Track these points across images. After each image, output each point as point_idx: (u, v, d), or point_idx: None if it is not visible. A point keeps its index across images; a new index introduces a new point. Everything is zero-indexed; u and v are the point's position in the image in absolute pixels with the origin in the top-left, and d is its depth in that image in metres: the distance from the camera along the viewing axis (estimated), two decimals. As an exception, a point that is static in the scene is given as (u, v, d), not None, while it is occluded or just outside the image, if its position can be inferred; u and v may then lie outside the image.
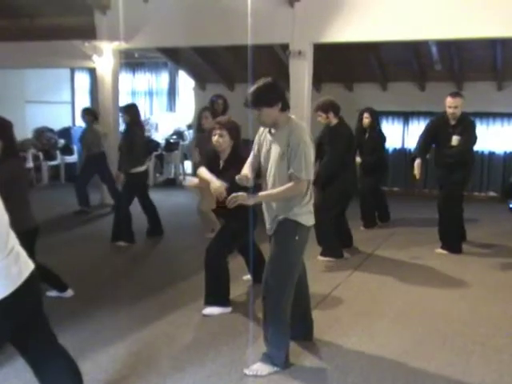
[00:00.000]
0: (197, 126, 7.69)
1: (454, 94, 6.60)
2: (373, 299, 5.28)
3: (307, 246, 3.87)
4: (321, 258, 6.38)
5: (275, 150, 3.69)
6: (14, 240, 2.57)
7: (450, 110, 6.48)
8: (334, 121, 6.32)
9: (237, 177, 3.77)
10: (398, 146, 11.36)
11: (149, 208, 7.63)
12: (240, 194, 3.55)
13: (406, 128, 11.37)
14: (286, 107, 3.70)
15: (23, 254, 2.61)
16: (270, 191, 3.65)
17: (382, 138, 8.20)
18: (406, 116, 11.18)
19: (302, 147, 3.56)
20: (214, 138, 4.80)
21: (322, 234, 6.26)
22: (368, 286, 5.66)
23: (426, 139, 6.78)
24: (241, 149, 4.82)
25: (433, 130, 6.75)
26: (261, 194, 3.58)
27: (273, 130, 3.75)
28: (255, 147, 3.95)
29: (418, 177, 6.71)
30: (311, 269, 4.10)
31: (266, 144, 3.81)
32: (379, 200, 8.33)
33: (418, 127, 11.24)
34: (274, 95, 3.66)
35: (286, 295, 3.73)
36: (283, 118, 3.68)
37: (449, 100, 6.48)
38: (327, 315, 4.83)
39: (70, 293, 5.18)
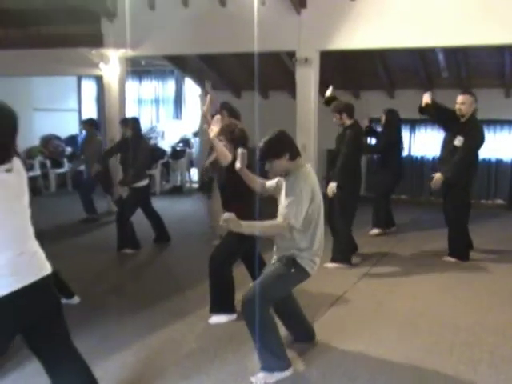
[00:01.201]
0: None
1: (463, 92, 6.68)
2: (380, 306, 5.28)
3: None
4: (330, 265, 6.36)
5: (284, 195, 3.87)
6: (33, 241, 2.62)
7: (456, 106, 6.53)
8: (347, 122, 6.49)
9: (221, 220, 3.71)
10: (405, 153, 11.30)
11: (152, 216, 7.66)
12: (231, 217, 3.57)
13: (412, 136, 11.37)
14: (294, 156, 3.88)
15: (41, 255, 2.66)
16: (253, 222, 3.79)
17: (395, 141, 8.33)
18: (413, 123, 11.17)
19: (298, 196, 3.72)
20: None
21: (341, 236, 6.39)
22: (375, 292, 5.66)
23: (444, 109, 6.76)
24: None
25: (448, 117, 6.70)
26: (245, 223, 3.62)
27: (287, 176, 3.93)
28: (274, 181, 4.13)
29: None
30: (317, 276, 4.10)
31: (283, 187, 3.97)
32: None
33: (425, 135, 11.26)
34: (281, 147, 3.86)
35: (267, 305, 3.83)
36: (293, 166, 3.88)
37: (458, 97, 6.55)
38: (334, 321, 4.84)
39: (76, 300, 5.20)
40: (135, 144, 7.23)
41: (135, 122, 7.54)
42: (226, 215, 3.55)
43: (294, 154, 3.89)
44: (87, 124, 9.54)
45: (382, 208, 8.15)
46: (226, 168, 4.75)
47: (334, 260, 6.45)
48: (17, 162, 2.57)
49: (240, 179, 4.35)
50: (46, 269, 2.68)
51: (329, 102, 7.03)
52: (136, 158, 7.14)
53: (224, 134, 4.78)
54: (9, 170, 2.49)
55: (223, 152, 4.69)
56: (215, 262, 4.79)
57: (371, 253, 7.09)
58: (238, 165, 4.19)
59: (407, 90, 10.90)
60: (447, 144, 6.67)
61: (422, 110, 6.79)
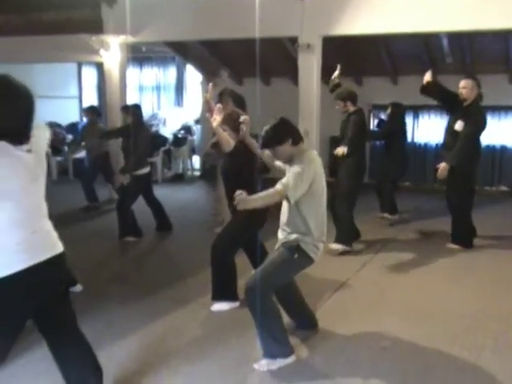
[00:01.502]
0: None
1: (466, 76, 6.75)
2: (383, 293, 5.30)
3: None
4: (334, 246, 6.41)
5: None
6: (46, 220, 2.72)
7: (459, 91, 6.57)
8: (351, 109, 6.54)
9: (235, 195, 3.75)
10: (409, 139, 11.27)
11: (153, 204, 7.67)
12: (241, 195, 3.60)
13: (416, 122, 11.36)
14: (297, 141, 3.91)
15: (54, 234, 2.74)
16: (256, 195, 3.75)
17: (399, 131, 8.44)
18: (416, 110, 11.16)
19: (298, 171, 3.73)
20: None
21: (342, 220, 6.43)
22: (378, 280, 5.68)
23: (446, 90, 6.79)
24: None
25: (451, 98, 6.71)
26: (250, 199, 3.65)
27: (291, 162, 3.93)
28: (283, 165, 4.11)
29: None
30: (320, 263, 4.13)
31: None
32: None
33: (428, 121, 11.25)
34: (282, 133, 3.88)
35: (269, 291, 3.87)
36: (297, 151, 3.90)
37: (460, 81, 6.61)
38: (337, 308, 4.87)
39: (79, 288, 5.23)
40: (136, 131, 7.21)
41: (136, 108, 7.54)
42: (239, 193, 3.56)
43: (297, 139, 3.91)
44: (89, 111, 9.55)
45: (387, 194, 8.19)
46: (228, 154, 4.76)
47: (337, 241, 6.49)
48: (36, 143, 2.66)
49: (243, 166, 4.37)
50: (59, 247, 2.76)
51: (334, 89, 7.02)
52: (137, 145, 7.14)
53: (227, 123, 4.78)
54: (29, 151, 2.59)
55: (226, 138, 4.70)
56: (217, 250, 4.81)
57: (374, 240, 7.11)
58: (242, 130, 4.24)
59: (411, 76, 10.85)
60: (449, 128, 6.69)
61: (424, 89, 6.75)
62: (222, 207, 7.09)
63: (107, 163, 9.41)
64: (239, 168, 4.47)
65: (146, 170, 7.32)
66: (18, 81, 2.58)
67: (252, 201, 3.65)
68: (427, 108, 11.09)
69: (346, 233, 6.56)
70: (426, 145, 11.36)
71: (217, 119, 4.54)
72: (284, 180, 3.74)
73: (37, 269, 2.59)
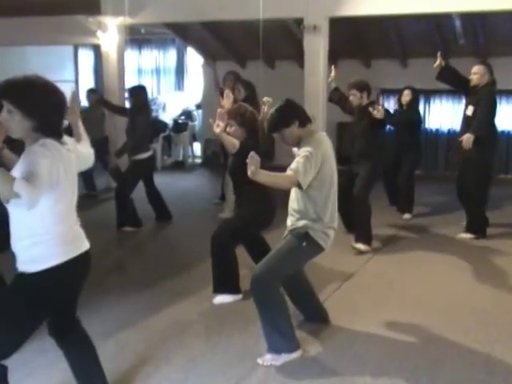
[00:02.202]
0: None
1: (479, 62, 6.77)
2: (392, 285, 5.31)
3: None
4: (357, 246, 6.27)
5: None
6: (76, 219, 2.93)
7: (470, 77, 6.60)
8: (365, 101, 6.45)
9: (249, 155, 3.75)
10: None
11: (152, 195, 7.66)
12: (255, 159, 3.52)
13: (427, 107, 11.31)
14: (304, 122, 3.89)
15: (82, 234, 2.96)
16: (269, 172, 3.66)
17: (419, 120, 8.19)
18: (427, 94, 11.10)
19: (307, 154, 3.69)
20: (227, 129, 4.90)
21: (360, 217, 6.33)
22: (386, 272, 5.69)
23: (461, 75, 6.83)
24: (256, 134, 4.86)
25: (466, 85, 6.74)
26: (262, 173, 3.57)
27: (300, 144, 3.91)
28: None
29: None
30: (326, 255, 4.12)
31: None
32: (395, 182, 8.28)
33: (440, 106, 11.20)
34: (288, 114, 3.87)
35: (276, 281, 3.86)
36: (305, 132, 3.88)
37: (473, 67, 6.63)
38: (344, 302, 4.88)
39: (76, 279, 5.24)
40: (137, 113, 7.23)
41: (140, 89, 7.55)
42: (253, 154, 3.43)
43: (304, 120, 3.89)
44: (94, 95, 9.51)
45: (411, 190, 7.99)
46: (234, 154, 4.80)
47: (360, 241, 6.32)
48: (71, 143, 2.87)
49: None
50: (87, 245, 2.97)
51: (335, 97, 6.94)
52: (135, 128, 7.15)
53: (234, 118, 4.80)
54: (70, 150, 2.78)
55: (230, 142, 4.74)
56: (217, 241, 4.81)
57: (383, 230, 7.10)
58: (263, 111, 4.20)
59: (421, 59, 10.78)
60: (464, 116, 6.70)
61: (440, 75, 6.82)
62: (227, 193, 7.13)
63: (106, 149, 9.40)
64: (246, 167, 4.47)
65: (145, 154, 7.28)
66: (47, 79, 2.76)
67: (263, 174, 3.54)
68: (438, 93, 11.02)
69: (369, 231, 6.43)
70: (437, 131, 11.32)
71: (220, 125, 4.57)
72: (293, 165, 3.69)
73: (77, 261, 2.81)
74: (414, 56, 10.93)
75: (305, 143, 3.83)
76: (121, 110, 7.99)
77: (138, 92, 7.42)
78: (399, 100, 8.12)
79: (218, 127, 4.58)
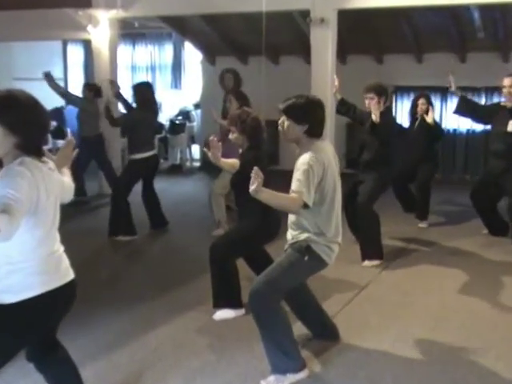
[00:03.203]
0: (223, 113, 7.73)
1: (510, 74, 6.90)
2: (406, 300, 5.28)
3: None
4: (370, 263, 6.22)
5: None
6: (59, 244, 2.89)
7: (505, 91, 6.74)
8: (382, 107, 6.38)
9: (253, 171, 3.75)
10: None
11: (149, 199, 7.65)
12: (260, 176, 3.52)
13: (444, 105, 11.30)
14: (313, 134, 3.85)
15: (66, 261, 2.91)
16: (273, 192, 3.66)
17: (440, 130, 8.22)
18: (444, 92, 11.09)
19: (306, 168, 3.66)
20: (229, 136, 4.97)
21: (370, 232, 6.28)
22: (401, 285, 5.67)
23: (479, 106, 7.03)
24: (258, 141, 4.89)
25: (488, 111, 6.95)
26: (265, 192, 3.58)
27: (297, 151, 3.90)
28: None
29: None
30: (334, 266, 4.10)
31: None
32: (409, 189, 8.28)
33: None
34: (305, 114, 3.82)
35: (276, 296, 3.85)
36: (307, 142, 3.84)
37: (505, 80, 6.74)
38: (355, 318, 4.85)
39: (64, 293, 5.23)
40: (136, 112, 7.30)
41: (141, 87, 7.60)
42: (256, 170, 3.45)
43: (314, 132, 3.84)
44: (90, 89, 9.50)
45: (427, 198, 7.99)
46: (236, 173, 4.85)
47: (368, 257, 6.28)
48: (52, 163, 2.86)
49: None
50: (72, 272, 2.94)
51: (343, 109, 6.93)
52: (135, 126, 7.18)
53: (235, 125, 4.84)
54: (50, 169, 2.78)
55: (230, 165, 4.86)
56: (216, 251, 4.80)
57: (396, 240, 7.08)
58: None
59: (437, 54, 10.84)
60: (500, 136, 6.85)
61: (459, 108, 7.15)
62: (218, 202, 7.13)
63: (100, 147, 9.38)
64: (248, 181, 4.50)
65: (144, 154, 7.29)
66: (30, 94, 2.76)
67: (266, 194, 3.54)
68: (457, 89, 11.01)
69: (379, 243, 6.40)
70: (455, 131, 11.30)
71: (215, 153, 4.66)
72: (294, 186, 3.65)
73: (59, 292, 2.77)
74: (429, 50, 10.95)
75: (304, 150, 3.80)
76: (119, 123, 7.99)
77: (139, 89, 7.47)
78: (413, 110, 8.04)
79: (217, 159, 4.69)
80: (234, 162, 4.84)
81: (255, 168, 3.40)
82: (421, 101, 7.90)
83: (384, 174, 6.39)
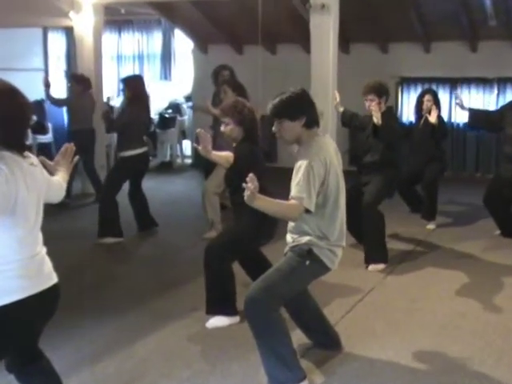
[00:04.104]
0: (214, 105, 7.73)
1: None
2: (412, 306, 5.31)
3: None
4: (375, 268, 6.23)
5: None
6: (41, 246, 2.88)
7: None
8: (383, 108, 6.40)
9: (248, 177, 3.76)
10: (445, 119, 11.12)
11: (138, 200, 7.67)
12: (254, 182, 3.55)
13: (453, 97, 11.29)
14: (312, 124, 3.86)
15: (49, 263, 2.91)
16: (270, 199, 3.69)
17: (444, 128, 8.22)
18: (453, 83, 11.13)
19: (306, 170, 3.66)
20: (221, 128, 4.95)
21: (375, 234, 6.30)
22: (407, 290, 5.69)
23: (490, 113, 7.07)
24: (253, 134, 4.91)
25: (500, 114, 7.10)
26: (261, 199, 3.59)
27: (297, 148, 3.91)
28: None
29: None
30: (336, 270, 4.11)
31: None
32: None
33: (468, 96, 11.20)
34: (299, 108, 3.84)
35: (274, 303, 3.85)
36: (307, 135, 3.85)
37: None
38: (359, 325, 4.88)
39: (46, 300, 5.24)
40: (128, 107, 7.34)
41: (134, 80, 7.66)
42: (251, 177, 3.47)
43: (312, 121, 3.87)
44: (78, 81, 9.48)
45: (434, 198, 8.02)
46: (230, 168, 4.86)
47: (373, 261, 6.30)
48: (35, 158, 2.86)
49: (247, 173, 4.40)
50: (55, 276, 2.93)
51: (348, 121, 6.98)
52: (126, 122, 7.23)
53: (231, 116, 4.84)
54: (32, 164, 2.78)
55: (223, 159, 4.87)
56: (211, 253, 4.80)
57: (402, 242, 7.10)
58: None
59: (446, 43, 10.86)
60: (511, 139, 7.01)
61: (472, 121, 7.36)
62: (210, 201, 7.15)
63: (90, 144, 9.36)
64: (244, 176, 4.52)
65: (134, 151, 7.31)
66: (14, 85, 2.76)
67: (262, 201, 3.57)
68: (467, 81, 11.07)
69: (384, 246, 6.44)
70: (465, 126, 11.30)
71: (207, 147, 4.69)
72: (294, 192, 3.66)
73: (40, 298, 2.77)
74: (438, 39, 10.96)
75: (303, 148, 3.82)
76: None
77: (132, 82, 7.51)
78: (419, 107, 8.05)
79: (208, 152, 4.70)
80: (227, 156, 4.84)
81: (250, 175, 3.43)
82: (426, 97, 7.90)
83: (391, 176, 6.45)
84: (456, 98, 7.32)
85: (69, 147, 3.25)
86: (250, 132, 4.87)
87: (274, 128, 3.90)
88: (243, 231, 4.84)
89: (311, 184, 3.65)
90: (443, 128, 8.05)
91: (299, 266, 3.86)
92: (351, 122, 6.90)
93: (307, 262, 3.84)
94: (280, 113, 3.83)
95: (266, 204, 3.62)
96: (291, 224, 3.94)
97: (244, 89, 7.34)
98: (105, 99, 10.98)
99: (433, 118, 7.50)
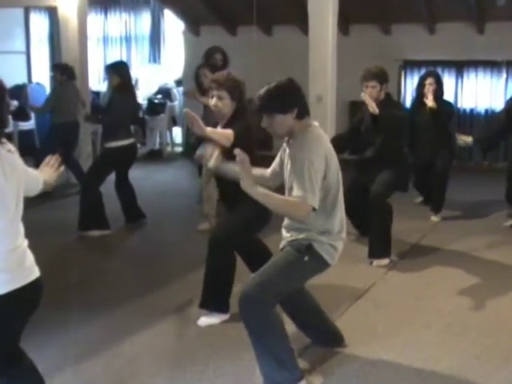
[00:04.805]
0: (197, 88, 7.71)
1: None
2: (417, 303, 5.32)
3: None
4: (379, 263, 6.23)
5: (289, 166, 3.83)
6: (23, 238, 2.89)
7: None
8: (382, 96, 6.35)
9: (235, 151, 3.70)
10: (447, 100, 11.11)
11: (125, 192, 7.65)
12: (246, 165, 3.53)
13: (459, 82, 11.31)
14: (303, 114, 3.83)
15: (30, 257, 2.92)
16: (272, 193, 3.67)
17: (451, 110, 8.18)
18: (459, 66, 11.12)
19: (307, 166, 3.64)
20: (212, 102, 4.82)
21: (383, 227, 6.29)
22: (411, 286, 5.69)
23: (496, 126, 7.12)
24: (246, 112, 4.86)
25: (507, 111, 7.07)
26: (261, 190, 3.59)
27: (290, 141, 3.88)
28: (277, 159, 4.11)
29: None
30: (336, 265, 4.10)
31: (285, 157, 3.96)
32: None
33: (475, 81, 11.19)
34: (290, 99, 3.80)
35: (271, 300, 3.83)
36: (300, 126, 3.82)
37: None
38: (360, 323, 4.88)
39: (28, 296, 5.23)
40: (118, 96, 7.30)
41: (124, 68, 7.66)
42: (241, 157, 3.47)
43: (304, 111, 3.84)
44: (61, 71, 9.43)
45: (443, 189, 8.01)
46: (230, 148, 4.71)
47: (378, 255, 6.30)
48: (12, 146, 2.85)
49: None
50: (37, 270, 2.95)
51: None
52: (114, 111, 7.21)
53: (226, 89, 4.75)
54: (10, 151, 2.78)
55: (222, 135, 4.64)
56: (219, 243, 4.76)
57: (405, 234, 7.10)
58: None
59: (452, 24, 10.84)
60: None
61: (487, 149, 7.64)
62: (210, 207, 7.11)
63: (73, 138, 9.34)
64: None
65: (120, 142, 7.29)
66: None
67: (261, 194, 3.55)
68: (474, 64, 11.05)
69: (390, 239, 6.40)
70: (472, 111, 11.31)
71: (197, 124, 4.51)
72: (297, 190, 3.61)
73: (21, 293, 2.77)
74: (443, 20, 10.94)
75: (298, 140, 3.78)
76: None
77: (122, 70, 7.49)
78: (420, 90, 7.99)
79: (200, 129, 4.53)
80: (227, 133, 4.65)
81: (237, 150, 3.42)
82: (428, 80, 7.76)
83: (400, 171, 6.43)
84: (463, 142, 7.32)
85: (53, 159, 3.26)
86: (241, 110, 4.82)
87: (263, 123, 3.83)
88: (246, 218, 4.79)
89: (313, 181, 3.63)
90: (446, 110, 7.92)
91: (297, 261, 3.85)
92: (358, 126, 6.74)
93: (306, 258, 3.83)
94: (270, 106, 3.77)
95: (268, 197, 3.60)
96: (287, 221, 3.93)
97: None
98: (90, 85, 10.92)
99: (430, 102, 7.42)
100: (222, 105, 4.79)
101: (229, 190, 4.78)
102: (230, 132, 4.66)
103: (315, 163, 3.66)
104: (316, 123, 3.94)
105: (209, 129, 4.63)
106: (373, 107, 6.08)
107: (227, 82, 4.81)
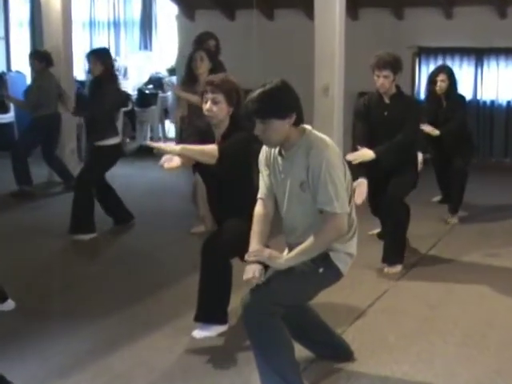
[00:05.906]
0: (186, 75, 7.69)
1: None
2: (431, 313, 5.32)
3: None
4: (391, 270, 6.22)
5: (292, 179, 3.80)
6: None
7: None
8: (393, 88, 6.31)
9: (246, 256, 3.78)
10: (469, 96, 10.90)
11: (105, 197, 7.66)
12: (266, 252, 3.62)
13: (479, 71, 11.29)
14: (300, 121, 3.80)
15: None
16: (299, 249, 3.70)
17: (464, 107, 8.14)
18: (479, 54, 11.11)
19: (325, 169, 3.63)
20: (206, 106, 4.75)
21: (399, 231, 6.30)
22: (424, 295, 5.70)
23: None
24: (240, 122, 4.80)
25: None
26: (289, 255, 3.64)
27: (283, 151, 3.84)
28: (263, 172, 4.04)
29: None
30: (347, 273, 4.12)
31: (277, 170, 3.90)
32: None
33: (495, 70, 11.17)
34: (288, 103, 3.73)
35: (276, 311, 3.81)
36: (296, 134, 3.79)
37: None
38: (369, 335, 4.88)
39: (10, 305, 5.22)
40: (102, 82, 7.32)
41: (108, 54, 7.71)
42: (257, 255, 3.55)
43: (301, 117, 3.79)
44: (38, 58, 9.42)
45: (462, 190, 8.00)
46: (217, 164, 4.67)
47: (391, 262, 6.30)
48: None
49: (238, 170, 4.41)
50: None
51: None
52: (104, 104, 7.19)
53: (224, 92, 4.69)
54: None
55: (205, 153, 4.65)
56: (215, 251, 4.75)
57: (419, 238, 7.10)
58: None
59: (471, 7, 10.83)
60: None
61: None
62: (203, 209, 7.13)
63: (54, 131, 9.34)
64: (234, 174, 4.47)
65: (114, 140, 7.33)
66: None
67: (294, 256, 3.68)
68: (495, 52, 11.02)
69: (405, 243, 6.46)
70: (492, 104, 11.28)
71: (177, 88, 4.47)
72: (324, 205, 3.64)
73: None
74: (461, 3, 10.94)
75: (302, 148, 3.75)
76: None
77: (105, 57, 7.50)
78: (431, 87, 7.96)
79: (176, 89, 4.50)
80: (210, 150, 4.62)
81: (248, 256, 3.61)
82: (440, 77, 7.71)
83: (413, 174, 6.43)
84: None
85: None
86: (235, 117, 4.77)
87: (256, 130, 3.76)
88: (242, 230, 4.77)
89: (337, 183, 3.65)
90: (452, 127, 7.75)
91: (311, 273, 3.82)
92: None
93: (321, 270, 3.82)
94: (266, 111, 3.68)
95: (301, 257, 3.71)
96: (294, 226, 3.92)
97: (224, 66, 7.30)
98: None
99: (432, 132, 7.33)
100: (218, 110, 4.71)
101: (228, 194, 4.80)
102: (213, 150, 4.61)
103: (335, 165, 3.67)
104: (309, 126, 3.90)
105: (186, 146, 4.70)
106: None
107: (224, 83, 4.73)
